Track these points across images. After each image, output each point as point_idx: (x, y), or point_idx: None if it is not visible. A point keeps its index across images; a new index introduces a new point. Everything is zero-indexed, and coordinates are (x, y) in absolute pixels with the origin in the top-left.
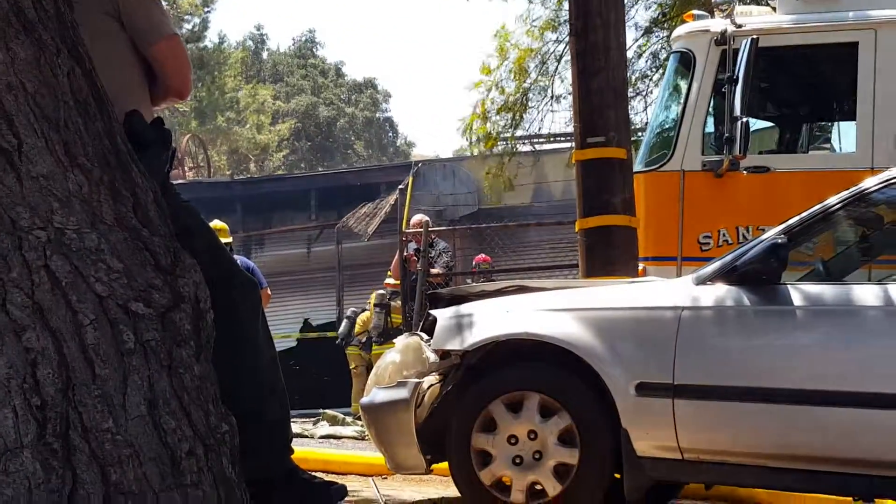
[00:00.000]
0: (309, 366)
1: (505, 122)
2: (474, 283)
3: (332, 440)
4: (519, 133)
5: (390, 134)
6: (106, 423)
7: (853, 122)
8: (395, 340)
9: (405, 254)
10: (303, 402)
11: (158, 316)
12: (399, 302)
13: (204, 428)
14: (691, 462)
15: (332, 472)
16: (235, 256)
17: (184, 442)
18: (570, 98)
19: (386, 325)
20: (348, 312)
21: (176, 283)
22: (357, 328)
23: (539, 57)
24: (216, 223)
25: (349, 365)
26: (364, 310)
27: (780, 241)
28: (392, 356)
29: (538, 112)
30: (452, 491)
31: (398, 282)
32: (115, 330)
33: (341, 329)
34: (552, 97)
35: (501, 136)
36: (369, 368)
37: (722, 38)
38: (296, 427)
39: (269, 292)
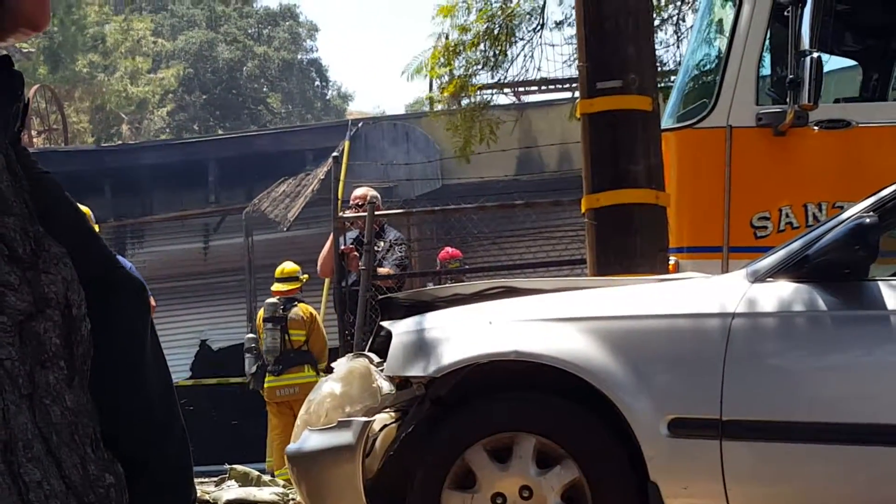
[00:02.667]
0: (208, 406)
1: (480, 57)
2: (442, 286)
3: None
4: (500, 77)
5: (318, 83)
6: None
7: None
8: (334, 364)
9: (342, 247)
10: (202, 456)
11: (15, 326)
12: (302, 311)
13: (80, 480)
14: None
15: None
16: None
17: (53, 500)
18: (572, 26)
19: (283, 345)
20: (246, 343)
21: (38, 280)
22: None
23: None
24: None
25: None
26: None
27: (867, 221)
28: (330, 386)
29: (526, 45)
30: None
31: (288, 285)
32: None
33: (247, 366)
34: (541, 24)
35: (471, 80)
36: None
37: None
38: None
39: (154, 302)
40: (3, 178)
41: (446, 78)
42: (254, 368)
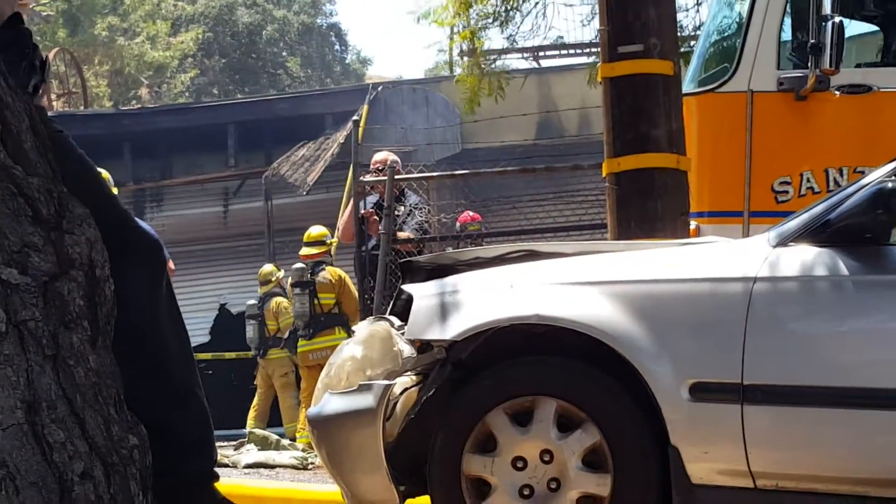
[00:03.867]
0: (227, 371)
1: (491, 11)
2: (463, 249)
3: (262, 470)
4: (511, 34)
5: (337, 47)
6: None
7: None
8: (355, 328)
9: (362, 211)
10: (222, 421)
11: (39, 287)
12: (330, 275)
13: (104, 441)
14: (766, 491)
15: None
16: None
17: (76, 460)
18: None
19: (312, 310)
20: (248, 310)
21: (62, 241)
22: (270, 326)
23: None
24: None
25: (269, 378)
26: (269, 295)
27: (889, 185)
28: (351, 349)
29: (539, 4)
30: None
31: (316, 249)
32: None
33: (250, 335)
34: None
35: (482, 33)
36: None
37: None
38: None
39: (173, 266)
40: (27, 139)
41: (459, 27)
42: (286, 333)
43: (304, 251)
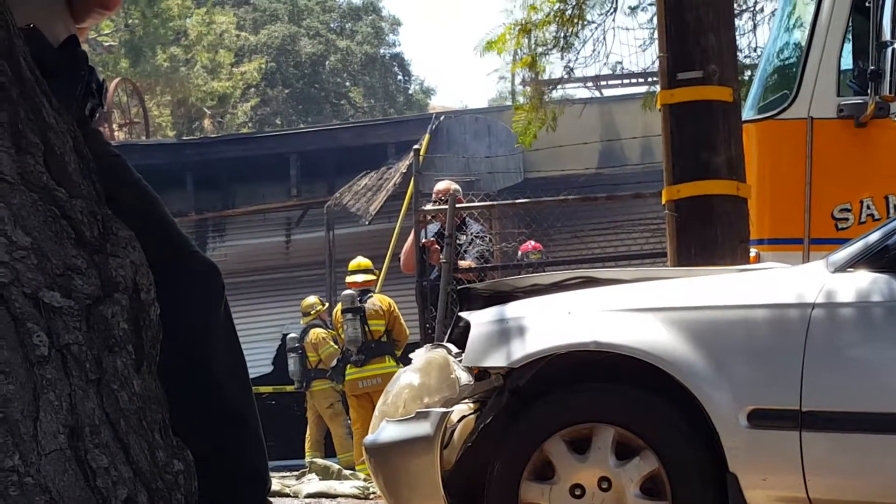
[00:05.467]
0: (289, 401)
1: (549, 37)
2: (521, 276)
3: (323, 500)
4: (571, 59)
5: (400, 77)
6: (10, 460)
7: None
8: (412, 355)
9: (423, 240)
10: (282, 450)
11: (82, 310)
12: (380, 301)
13: (148, 466)
14: None
15: None
16: None
17: (120, 486)
18: (646, 11)
19: (365, 336)
20: (289, 343)
21: (106, 263)
22: (311, 357)
23: None
24: None
25: (316, 408)
26: (309, 327)
27: None
28: (408, 377)
29: (599, 30)
30: None
31: (364, 276)
32: (20, 329)
33: (292, 368)
34: (614, 8)
35: (542, 59)
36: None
37: None
38: (274, 483)
39: None
40: (71, 161)
41: (517, 54)
42: (333, 363)
43: (354, 278)
